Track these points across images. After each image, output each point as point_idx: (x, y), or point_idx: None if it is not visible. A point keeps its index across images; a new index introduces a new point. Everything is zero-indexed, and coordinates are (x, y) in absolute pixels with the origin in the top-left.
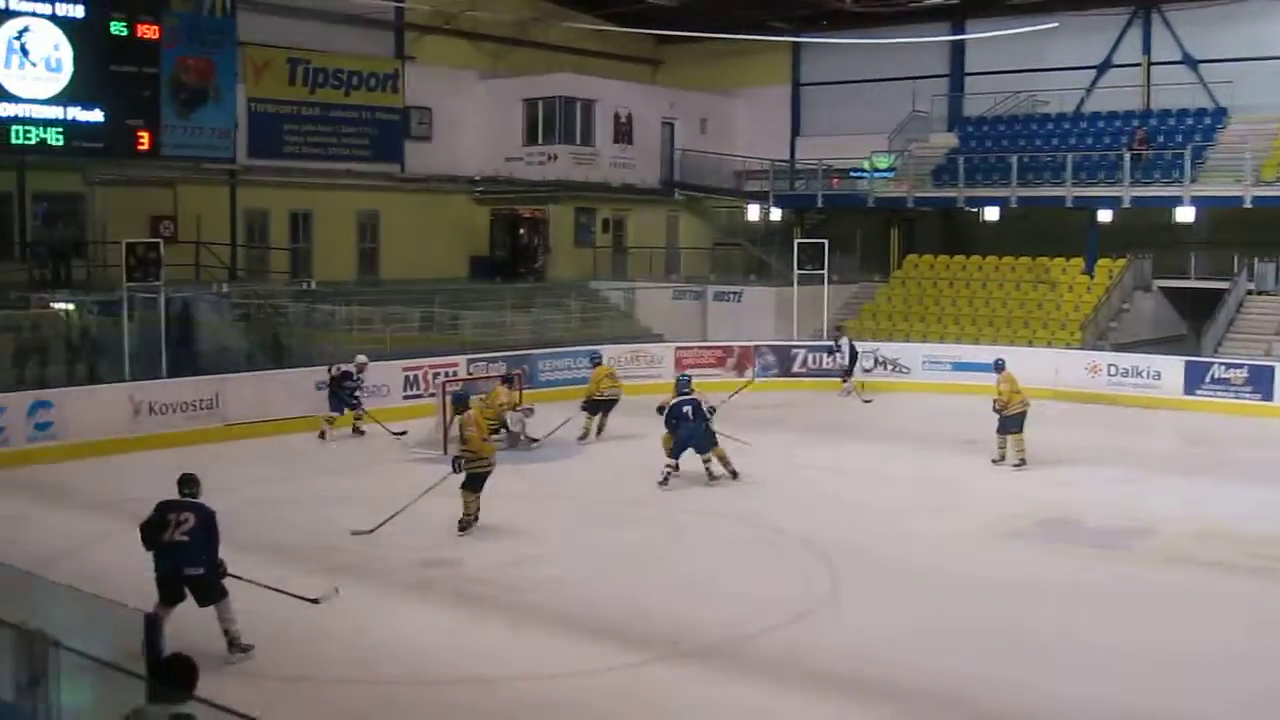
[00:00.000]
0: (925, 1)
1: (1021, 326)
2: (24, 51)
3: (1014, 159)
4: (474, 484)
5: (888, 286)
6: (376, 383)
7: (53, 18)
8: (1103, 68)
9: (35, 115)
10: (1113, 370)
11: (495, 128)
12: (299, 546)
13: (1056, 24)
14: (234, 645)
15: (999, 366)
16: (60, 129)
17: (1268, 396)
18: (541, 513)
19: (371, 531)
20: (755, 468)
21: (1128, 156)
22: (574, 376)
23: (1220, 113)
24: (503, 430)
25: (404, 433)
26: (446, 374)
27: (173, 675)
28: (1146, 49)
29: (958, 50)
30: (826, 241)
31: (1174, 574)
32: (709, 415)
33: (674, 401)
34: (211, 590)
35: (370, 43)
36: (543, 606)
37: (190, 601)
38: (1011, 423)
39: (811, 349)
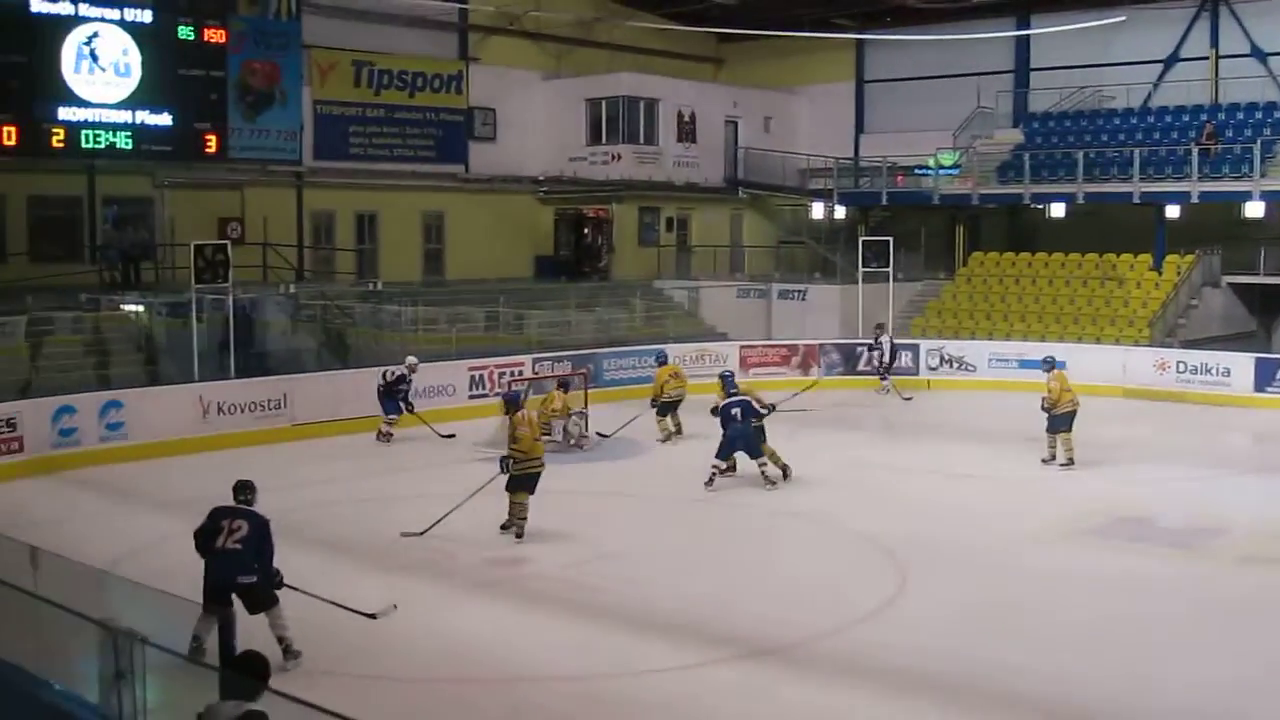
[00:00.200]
0: None
1: (1089, 324)
2: (93, 57)
3: (1080, 155)
4: (527, 484)
5: (953, 284)
6: (442, 382)
7: (121, 23)
8: (1170, 61)
9: (105, 120)
10: (1181, 367)
11: (559, 128)
12: (362, 546)
13: (1123, 18)
14: (288, 652)
15: (1049, 365)
16: (129, 133)
17: None
18: (606, 512)
19: (422, 534)
20: (820, 466)
21: (1195, 151)
22: (639, 375)
23: None
24: (554, 433)
25: (453, 435)
26: (513, 374)
27: (247, 671)
28: (1214, 42)
29: (1023, 45)
30: (891, 239)
31: (1247, 574)
32: (765, 414)
33: (724, 403)
34: (263, 598)
35: (434, 44)
36: (614, 605)
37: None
38: (1060, 421)
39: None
